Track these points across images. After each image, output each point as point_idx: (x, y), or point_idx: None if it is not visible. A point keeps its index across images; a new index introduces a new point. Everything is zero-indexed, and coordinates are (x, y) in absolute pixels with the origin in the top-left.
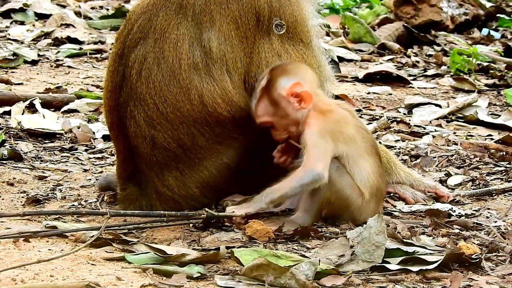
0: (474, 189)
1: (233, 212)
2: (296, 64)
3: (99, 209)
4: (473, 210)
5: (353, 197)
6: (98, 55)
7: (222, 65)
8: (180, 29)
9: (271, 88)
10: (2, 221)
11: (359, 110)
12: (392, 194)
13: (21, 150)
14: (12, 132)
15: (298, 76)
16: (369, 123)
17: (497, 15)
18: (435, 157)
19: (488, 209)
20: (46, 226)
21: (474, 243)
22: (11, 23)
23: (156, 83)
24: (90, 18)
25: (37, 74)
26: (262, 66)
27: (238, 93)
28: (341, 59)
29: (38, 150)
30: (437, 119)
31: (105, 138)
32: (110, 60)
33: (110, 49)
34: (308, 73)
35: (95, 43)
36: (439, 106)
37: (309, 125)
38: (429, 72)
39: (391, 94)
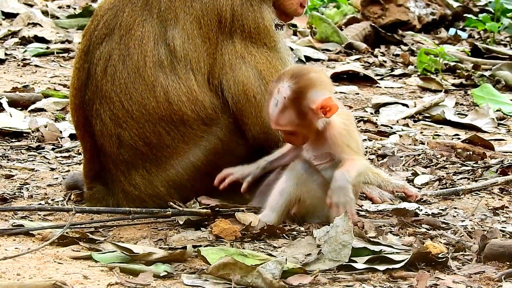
0: (441, 188)
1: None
2: (319, 72)
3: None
4: (440, 210)
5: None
6: (65, 54)
7: (186, 63)
8: (145, 26)
9: (300, 100)
10: None
11: None
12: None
13: None
14: None
15: (326, 88)
16: None
17: (464, 15)
18: (402, 157)
19: (455, 208)
20: (13, 224)
21: (441, 242)
22: None
23: (121, 81)
24: (57, 17)
25: (4, 73)
26: (225, 68)
27: (202, 92)
28: (308, 58)
29: (5, 149)
30: (404, 118)
31: (72, 137)
32: (76, 57)
33: (77, 48)
34: (328, 80)
35: (62, 42)
36: (406, 105)
37: (334, 127)
38: (396, 72)
39: (358, 93)
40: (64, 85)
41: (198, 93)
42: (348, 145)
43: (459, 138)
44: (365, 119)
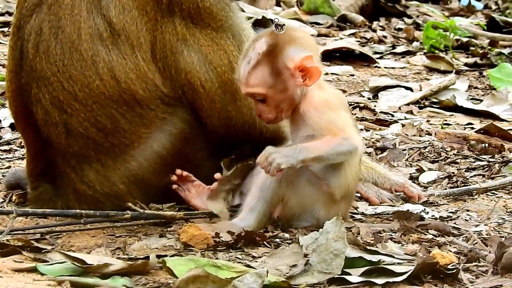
0: (451, 187)
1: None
2: (303, 32)
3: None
4: (450, 212)
5: (317, 195)
6: (5, 29)
7: (126, 38)
8: None
9: (276, 56)
10: None
11: None
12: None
13: None
14: None
15: (308, 48)
16: None
17: None
18: (404, 150)
19: (467, 211)
20: None
21: (451, 251)
22: None
23: (56, 57)
24: None
25: None
26: (166, 50)
27: (151, 70)
28: None
29: None
30: (408, 104)
31: (14, 127)
32: (10, 33)
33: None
34: (314, 43)
35: (2, 14)
36: (410, 89)
37: (311, 101)
38: (399, 49)
39: (353, 75)
40: (4, 66)
41: (147, 70)
42: (329, 121)
43: (472, 128)
44: (362, 105)
